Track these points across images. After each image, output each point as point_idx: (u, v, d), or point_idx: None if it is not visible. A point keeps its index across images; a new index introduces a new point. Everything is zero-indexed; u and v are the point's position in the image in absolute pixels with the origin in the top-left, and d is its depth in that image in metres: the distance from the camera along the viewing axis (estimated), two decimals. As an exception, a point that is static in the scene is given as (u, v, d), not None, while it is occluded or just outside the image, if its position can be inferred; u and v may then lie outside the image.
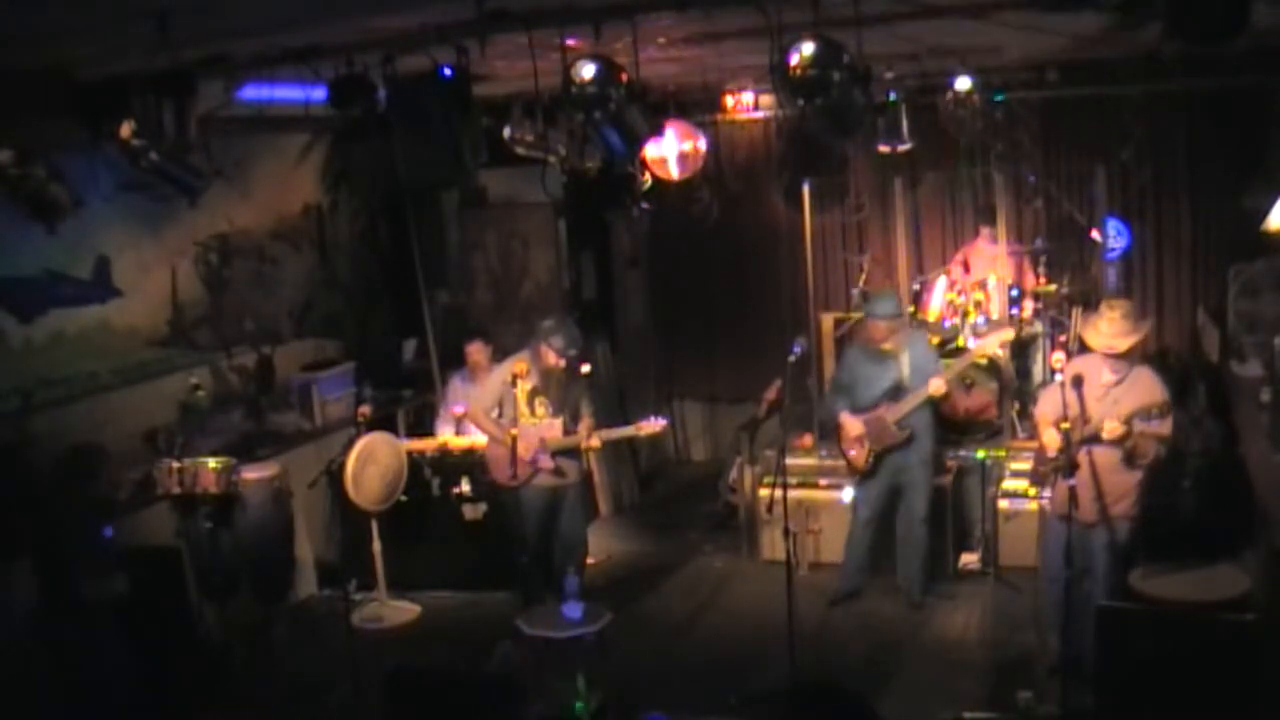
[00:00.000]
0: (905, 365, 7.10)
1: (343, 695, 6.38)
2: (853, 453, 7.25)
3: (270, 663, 6.99)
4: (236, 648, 6.96)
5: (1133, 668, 5.16)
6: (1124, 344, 5.75)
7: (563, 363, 6.94)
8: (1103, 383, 5.81)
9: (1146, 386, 5.81)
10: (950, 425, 8.22)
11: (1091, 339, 5.89)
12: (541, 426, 6.96)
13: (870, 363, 7.21)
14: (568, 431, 7.02)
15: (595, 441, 7.11)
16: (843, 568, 7.52)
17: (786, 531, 6.37)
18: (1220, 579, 5.58)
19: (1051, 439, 5.83)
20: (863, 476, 7.30)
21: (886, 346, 7.11)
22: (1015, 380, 8.31)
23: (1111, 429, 5.59)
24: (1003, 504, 7.62)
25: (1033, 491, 7.31)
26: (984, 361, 8.14)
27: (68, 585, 5.49)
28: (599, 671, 5.87)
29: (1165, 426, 5.71)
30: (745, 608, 7.57)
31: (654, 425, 7.18)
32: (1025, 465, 7.51)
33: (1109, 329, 5.77)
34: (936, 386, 6.95)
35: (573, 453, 7.13)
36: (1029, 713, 5.85)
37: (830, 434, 7.61)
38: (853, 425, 7.18)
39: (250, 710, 6.52)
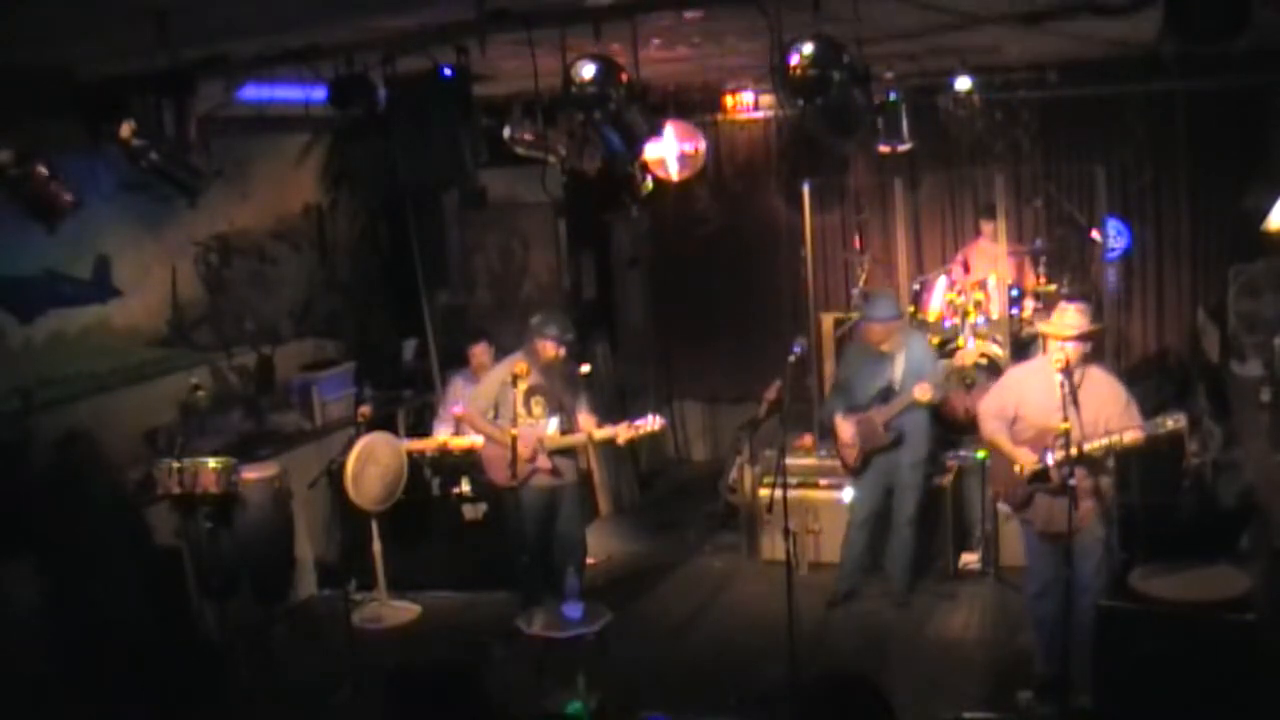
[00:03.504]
0: (899, 368, 7.12)
1: (343, 695, 6.39)
2: (845, 452, 7.32)
3: (270, 663, 6.98)
4: (236, 648, 6.95)
5: (1132, 667, 5.16)
6: (1070, 330, 5.60)
7: (563, 352, 6.90)
8: (1056, 383, 5.54)
9: (1107, 384, 5.71)
10: (951, 425, 8.23)
11: (1054, 329, 5.74)
12: (538, 427, 6.93)
13: (868, 362, 7.24)
14: (565, 431, 7.01)
15: (604, 432, 7.01)
16: (840, 568, 7.54)
17: (786, 531, 6.37)
18: (1220, 579, 5.57)
19: (1026, 458, 5.70)
20: (857, 476, 7.34)
21: (884, 347, 7.13)
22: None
23: (1134, 439, 5.47)
24: (1002, 504, 7.60)
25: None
26: (984, 362, 8.14)
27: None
28: (599, 671, 5.87)
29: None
30: (745, 608, 7.56)
31: (650, 424, 7.11)
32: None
33: (1075, 320, 5.64)
34: (922, 391, 6.95)
35: (570, 453, 7.11)
36: (1029, 713, 5.85)
37: (828, 433, 7.64)
38: (845, 428, 7.24)
39: (250, 710, 6.52)
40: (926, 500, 7.48)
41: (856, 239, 9.68)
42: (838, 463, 7.54)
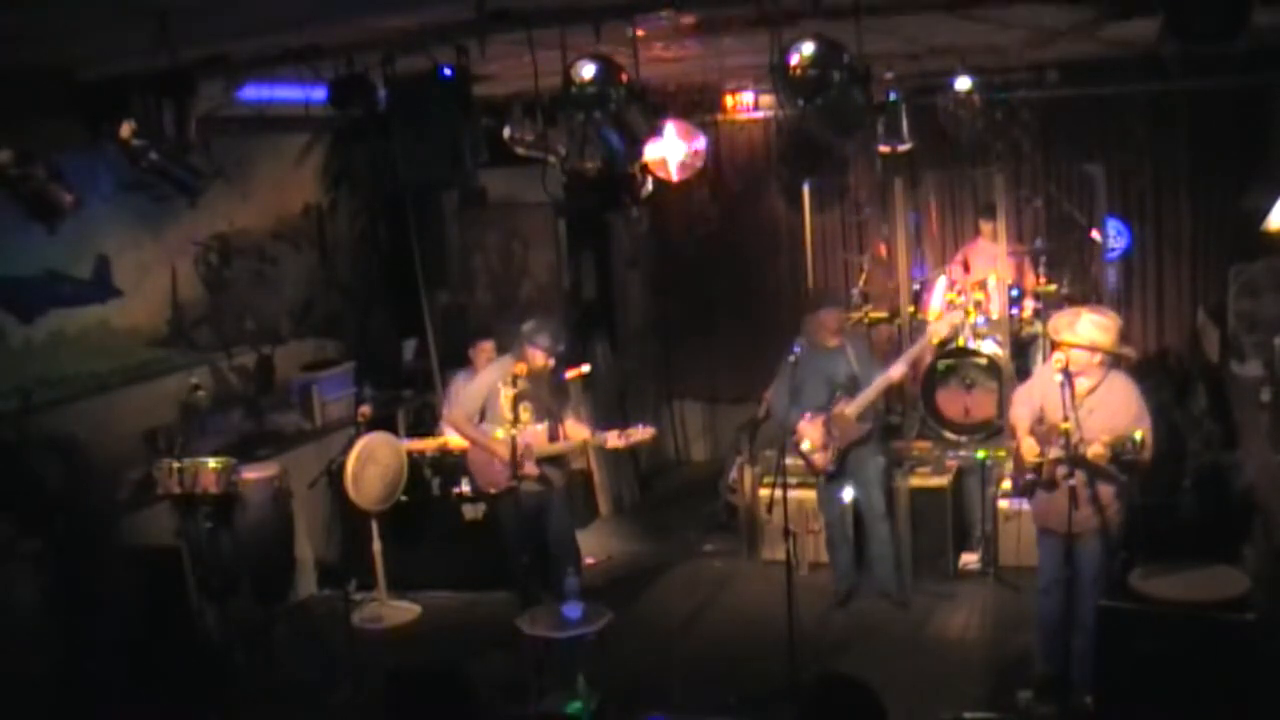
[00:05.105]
0: (854, 359, 7.15)
1: (343, 695, 6.39)
2: (817, 455, 7.23)
3: (270, 663, 6.99)
4: (236, 648, 6.95)
5: (1133, 667, 5.16)
6: (1064, 336, 5.59)
7: (552, 362, 6.86)
8: (1056, 383, 5.55)
9: (1123, 394, 5.66)
10: (953, 426, 8.23)
11: (1049, 328, 5.75)
12: (526, 433, 6.82)
13: (823, 361, 7.19)
14: (552, 438, 6.95)
15: (594, 439, 7.03)
16: (834, 570, 7.55)
17: (786, 531, 6.38)
18: (1220, 579, 5.58)
19: (1029, 449, 5.74)
20: (832, 479, 7.32)
21: (833, 343, 7.17)
22: (1015, 380, 8.30)
23: (1096, 454, 5.42)
24: (1003, 504, 7.62)
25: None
26: (983, 361, 8.15)
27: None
28: (599, 671, 5.87)
29: (1146, 452, 5.47)
30: (745, 608, 7.56)
31: (640, 433, 6.98)
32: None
33: (1085, 329, 5.62)
34: (899, 370, 7.06)
35: (558, 461, 7.03)
36: (1029, 713, 5.85)
37: (787, 440, 7.33)
38: (813, 428, 7.17)
39: (250, 710, 6.52)
40: (891, 494, 7.51)
41: (856, 239, 9.67)
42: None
